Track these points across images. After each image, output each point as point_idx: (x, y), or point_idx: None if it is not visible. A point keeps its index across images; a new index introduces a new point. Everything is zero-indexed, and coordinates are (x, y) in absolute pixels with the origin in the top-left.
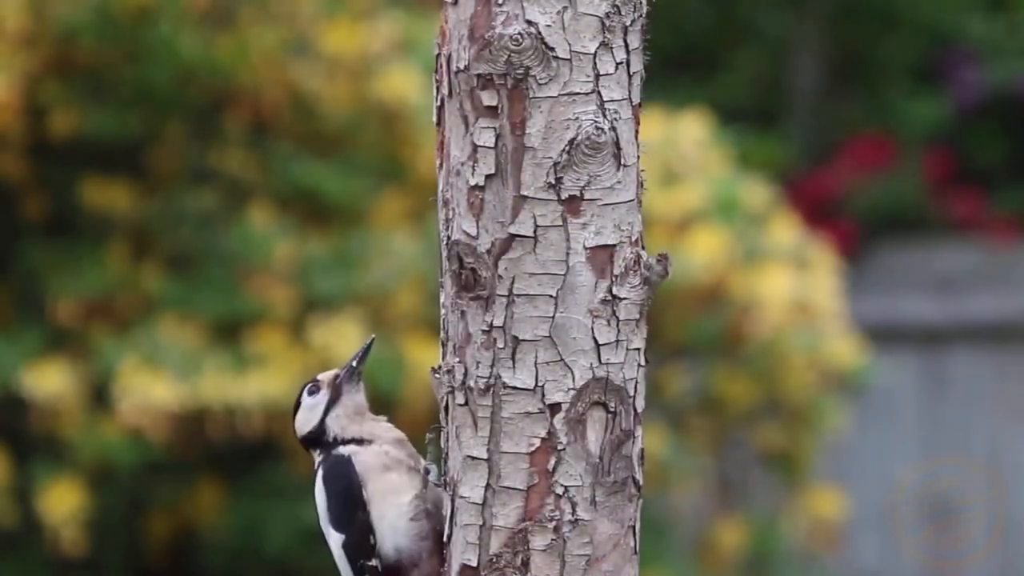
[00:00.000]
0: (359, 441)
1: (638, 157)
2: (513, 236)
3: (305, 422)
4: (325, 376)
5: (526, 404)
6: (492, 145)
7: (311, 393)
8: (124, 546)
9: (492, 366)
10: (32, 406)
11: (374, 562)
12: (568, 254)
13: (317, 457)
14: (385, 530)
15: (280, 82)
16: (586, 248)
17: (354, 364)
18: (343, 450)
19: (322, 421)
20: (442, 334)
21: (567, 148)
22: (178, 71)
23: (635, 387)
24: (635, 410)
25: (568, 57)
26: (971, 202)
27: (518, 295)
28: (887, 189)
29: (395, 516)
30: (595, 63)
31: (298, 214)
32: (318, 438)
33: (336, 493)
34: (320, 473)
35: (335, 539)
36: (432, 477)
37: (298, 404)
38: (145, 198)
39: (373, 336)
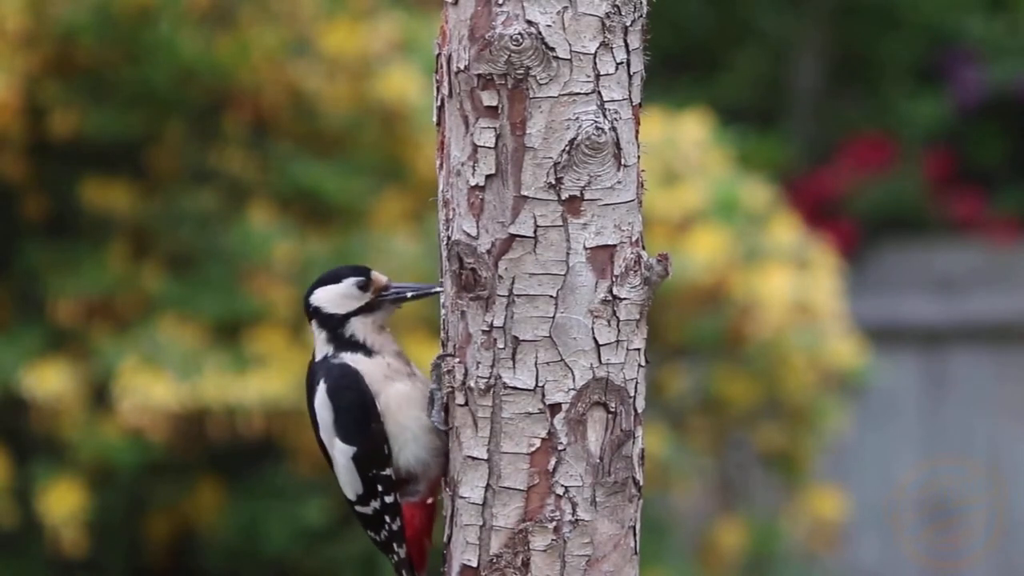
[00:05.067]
0: (367, 351)
1: (638, 157)
2: (513, 236)
3: (331, 304)
4: (378, 279)
5: (526, 404)
6: (492, 145)
7: (359, 287)
8: (124, 546)
9: (492, 366)
10: (32, 406)
11: (388, 472)
12: (568, 254)
13: (322, 341)
14: (407, 440)
15: (280, 82)
16: (586, 248)
17: (407, 295)
18: (346, 358)
19: (347, 316)
20: (442, 334)
21: (567, 148)
22: (178, 71)
23: (635, 387)
24: (635, 410)
25: (568, 57)
26: (971, 202)
27: (518, 295)
28: (887, 189)
29: (418, 428)
30: (595, 63)
31: (298, 214)
32: (333, 325)
33: (347, 405)
34: (324, 387)
35: (343, 451)
36: (436, 399)
37: (337, 279)
38: (145, 198)
39: (441, 289)
